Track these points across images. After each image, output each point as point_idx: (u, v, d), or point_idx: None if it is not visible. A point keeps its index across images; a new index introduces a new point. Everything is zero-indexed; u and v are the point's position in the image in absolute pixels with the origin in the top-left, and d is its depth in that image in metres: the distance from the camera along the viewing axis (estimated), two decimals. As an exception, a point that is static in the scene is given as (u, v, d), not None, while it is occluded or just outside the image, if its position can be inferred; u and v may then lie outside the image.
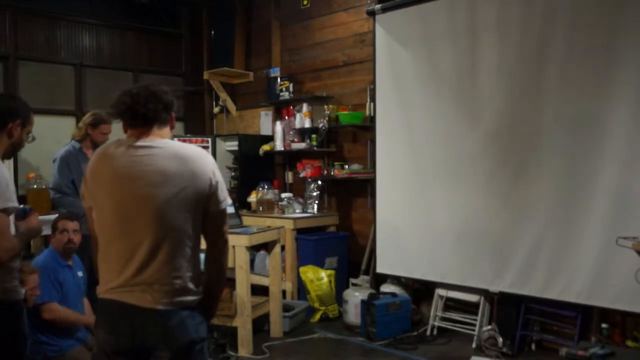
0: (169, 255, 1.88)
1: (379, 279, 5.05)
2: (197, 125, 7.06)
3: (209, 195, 1.95)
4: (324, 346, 4.37)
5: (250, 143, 6.12)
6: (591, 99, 3.67)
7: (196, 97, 7.10)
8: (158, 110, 1.96)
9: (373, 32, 4.95)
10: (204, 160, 1.96)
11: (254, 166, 6.07)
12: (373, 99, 5.02)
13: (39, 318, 3.20)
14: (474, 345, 4.23)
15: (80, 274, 3.53)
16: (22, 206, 2.38)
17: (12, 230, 2.24)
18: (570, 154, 3.78)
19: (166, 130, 2.02)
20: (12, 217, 2.24)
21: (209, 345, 2.87)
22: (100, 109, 4.39)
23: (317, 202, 5.54)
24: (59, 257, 3.38)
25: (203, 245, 2.03)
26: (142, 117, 1.95)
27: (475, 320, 4.32)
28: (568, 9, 3.76)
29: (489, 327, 4.18)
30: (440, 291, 4.56)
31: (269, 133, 6.15)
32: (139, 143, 1.93)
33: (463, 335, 4.40)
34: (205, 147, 6.06)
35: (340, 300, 4.91)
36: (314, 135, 5.51)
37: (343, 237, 5.43)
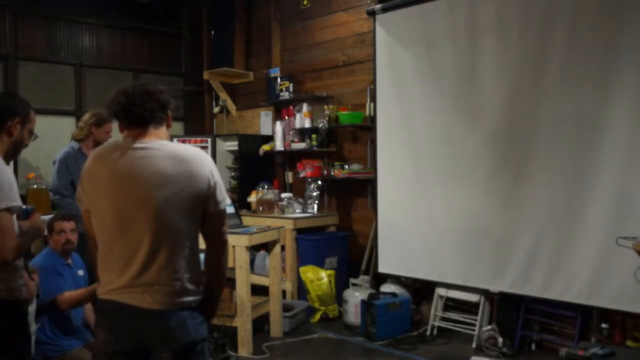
0: (169, 257, 1.88)
1: (379, 279, 5.05)
2: (197, 125, 7.07)
3: (208, 196, 1.94)
4: (324, 346, 4.37)
5: (250, 143, 6.12)
6: (591, 99, 3.67)
7: (196, 97, 7.11)
8: (154, 109, 1.95)
9: (373, 32, 4.95)
10: (202, 161, 1.96)
11: (254, 166, 6.07)
12: (373, 99, 5.02)
13: (47, 316, 3.22)
14: (474, 345, 4.23)
15: (80, 272, 3.53)
16: (24, 206, 2.38)
17: (16, 229, 2.24)
18: (570, 154, 3.78)
19: (163, 129, 2.01)
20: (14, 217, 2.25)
21: (209, 345, 2.88)
22: (99, 109, 4.39)
23: (317, 202, 5.54)
24: (58, 257, 3.39)
25: (203, 245, 2.03)
26: (137, 117, 1.94)
27: (475, 320, 4.32)
28: (568, 8, 3.76)
29: (489, 327, 4.18)
30: (440, 291, 4.56)
31: (269, 133, 6.15)
32: (136, 144, 1.92)
33: (463, 335, 4.40)
34: (205, 147, 6.07)
35: (340, 300, 4.91)
36: (314, 135, 5.51)
37: (343, 237, 5.42)
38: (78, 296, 3.28)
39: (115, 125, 2.11)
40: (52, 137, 5.30)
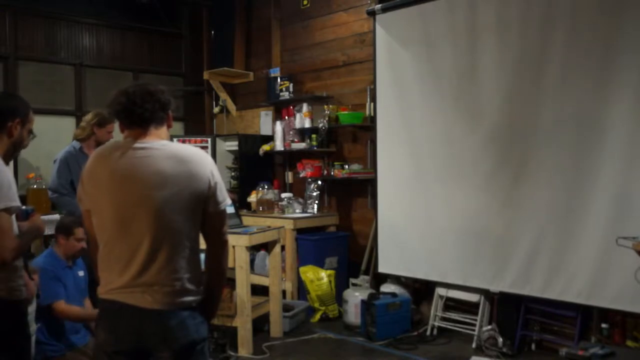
0: (169, 257, 1.88)
1: (379, 279, 5.05)
2: (197, 125, 7.07)
3: (208, 196, 1.94)
4: (324, 346, 4.37)
5: (250, 143, 6.12)
6: (591, 99, 3.67)
7: (196, 97, 7.11)
8: (155, 109, 1.95)
9: (373, 32, 4.95)
10: (202, 161, 1.96)
11: (254, 166, 6.07)
12: (373, 99, 5.02)
13: (46, 318, 3.22)
14: (474, 345, 4.23)
15: (81, 273, 3.53)
16: (24, 207, 2.38)
17: (15, 230, 2.24)
18: (570, 154, 3.78)
19: (163, 130, 2.01)
20: (14, 217, 2.24)
21: (209, 345, 2.88)
22: (101, 109, 4.39)
23: (317, 202, 5.54)
24: (60, 259, 3.37)
25: (203, 244, 2.03)
26: (138, 117, 1.94)
27: (475, 320, 4.32)
28: (568, 8, 3.76)
29: (489, 327, 4.18)
30: (440, 291, 4.56)
31: (269, 133, 6.15)
32: (137, 144, 1.93)
33: (463, 335, 4.40)
34: (205, 147, 6.07)
35: (340, 300, 4.91)
36: (314, 135, 5.51)
37: (343, 237, 5.42)
38: (75, 314, 3.29)
39: (116, 126, 2.11)
40: (52, 137, 5.30)
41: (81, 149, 4.24)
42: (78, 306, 3.39)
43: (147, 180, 1.87)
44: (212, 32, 7.04)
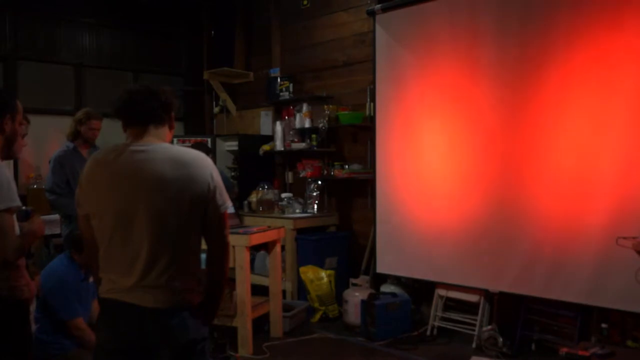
0: (169, 259, 1.88)
1: (379, 279, 5.05)
2: (197, 125, 7.07)
3: (208, 199, 1.94)
4: (324, 346, 4.37)
5: (250, 143, 6.12)
6: (592, 98, 3.67)
7: (196, 97, 7.10)
8: (155, 109, 1.96)
9: (373, 32, 4.95)
10: (202, 164, 1.95)
11: (254, 166, 6.07)
12: (373, 99, 5.02)
13: (51, 317, 3.23)
14: (474, 345, 4.23)
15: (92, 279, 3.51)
16: (24, 207, 2.38)
17: (17, 230, 2.24)
18: (570, 154, 3.78)
19: (164, 130, 2.01)
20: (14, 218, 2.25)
21: (209, 345, 2.88)
22: (96, 108, 4.42)
23: (317, 202, 5.54)
24: (79, 271, 3.33)
25: (204, 245, 2.03)
26: (138, 116, 1.95)
27: (475, 320, 4.32)
28: (568, 8, 3.77)
29: (489, 327, 4.18)
30: (440, 291, 4.56)
31: (269, 133, 6.15)
32: (135, 147, 1.92)
33: (463, 335, 4.40)
34: (205, 147, 6.06)
35: (340, 300, 4.92)
36: (314, 135, 5.51)
37: (343, 237, 5.43)
38: (89, 334, 3.22)
39: (114, 124, 2.13)
40: (52, 137, 5.30)
41: (75, 149, 4.27)
42: (86, 311, 3.39)
43: (147, 183, 1.87)
44: (212, 32, 7.03)
